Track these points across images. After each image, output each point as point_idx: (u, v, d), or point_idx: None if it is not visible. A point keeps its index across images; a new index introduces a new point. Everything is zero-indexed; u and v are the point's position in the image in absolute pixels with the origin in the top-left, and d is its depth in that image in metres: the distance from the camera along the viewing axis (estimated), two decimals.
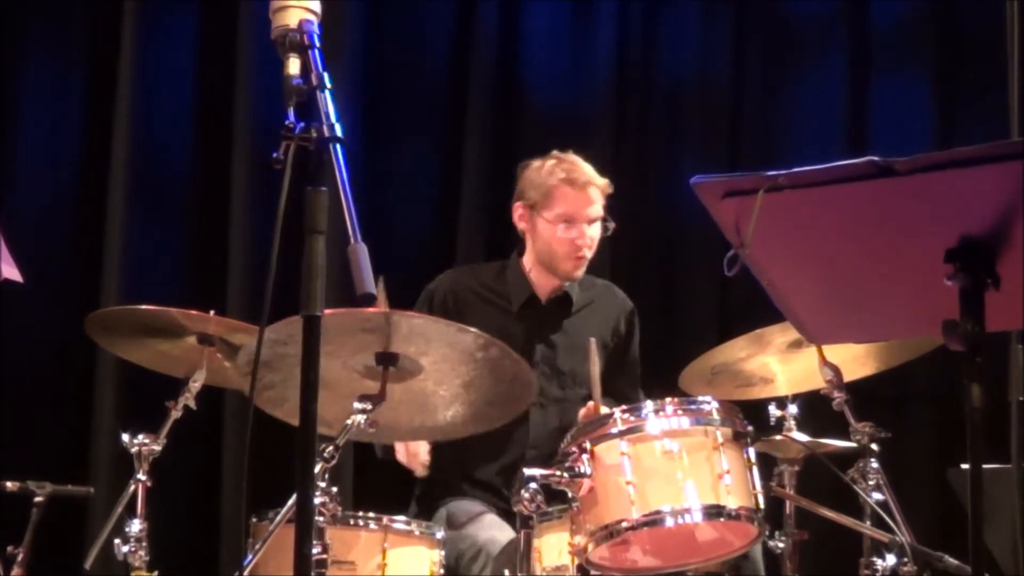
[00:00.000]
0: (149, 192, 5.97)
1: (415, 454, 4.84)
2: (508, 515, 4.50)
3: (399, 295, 5.21)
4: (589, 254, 5.03)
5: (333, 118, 2.80)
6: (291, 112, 2.83)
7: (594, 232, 5.00)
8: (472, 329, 4.07)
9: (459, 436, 4.51)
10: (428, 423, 4.35)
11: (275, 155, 2.81)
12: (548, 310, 5.15)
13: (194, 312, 4.48)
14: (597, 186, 4.97)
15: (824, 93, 6.36)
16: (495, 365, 4.14)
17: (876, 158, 2.54)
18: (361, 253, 2.69)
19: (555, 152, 5.09)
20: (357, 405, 3.99)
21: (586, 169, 5.00)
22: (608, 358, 5.11)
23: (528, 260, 5.15)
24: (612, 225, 5.01)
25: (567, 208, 4.97)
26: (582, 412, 4.72)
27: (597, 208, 4.98)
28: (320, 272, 2.74)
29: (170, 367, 4.62)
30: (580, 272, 5.07)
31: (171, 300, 4.68)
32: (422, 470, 4.86)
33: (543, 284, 5.13)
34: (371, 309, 3.90)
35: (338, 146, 2.78)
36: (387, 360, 4.05)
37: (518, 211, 5.09)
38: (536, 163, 5.07)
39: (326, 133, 2.78)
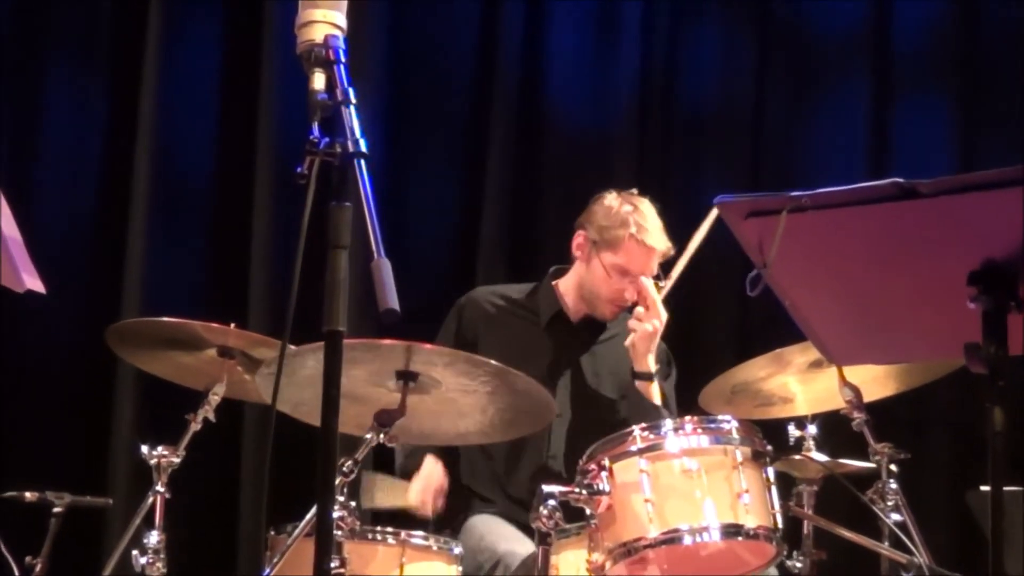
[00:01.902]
0: (171, 205, 5.98)
1: (425, 502, 4.85)
2: (527, 529, 4.49)
3: (420, 311, 5.24)
4: (631, 301, 5.02)
5: (358, 133, 2.81)
6: (315, 127, 2.84)
7: (642, 284, 4.98)
8: (491, 361, 4.10)
9: (479, 443, 4.59)
10: (449, 430, 4.37)
11: (299, 170, 2.81)
12: (578, 329, 5.16)
13: (215, 325, 4.49)
14: (661, 251, 4.98)
15: (846, 116, 6.35)
16: (513, 388, 4.17)
17: (900, 180, 2.54)
18: (384, 269, 2.70)
19: (633, 192, 5.07)
20: (376, 423, 4.02)
21: (655, 228, 4.98)
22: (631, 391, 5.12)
23: (566, 284, 5.16)
24: (662, 283, 5.00)
25: (628, 263, 4.97)
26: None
27: (654, 266, 4.99)
28: (343, 287, 2.75)
29: (190, 379, 4.63)
30: (615, 318, 5.09)
31: (192, 313, 4.68)
32: (428, 514, 4.87)
33: (576, 308, 5.15)
34: (390, 341, 3.95)
35: (362, 162, 2.79)
36: (407, 377, 4.07)
37: (578, 239, 5.09)
38: (612, 199, 5.04)
39: (350, 148, 2.79)
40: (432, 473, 4.91)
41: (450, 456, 4.99)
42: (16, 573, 4.60)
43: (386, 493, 4.74)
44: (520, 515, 4.86)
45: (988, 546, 2.64)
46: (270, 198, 5.88)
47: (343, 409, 2.75)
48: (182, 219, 6.01)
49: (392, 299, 2.67)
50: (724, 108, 6.34)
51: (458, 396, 4.18)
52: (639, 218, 4.97)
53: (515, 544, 4.71)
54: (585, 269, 5.07)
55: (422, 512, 4.85)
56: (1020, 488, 3.48)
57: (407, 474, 4.96)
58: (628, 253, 4.97)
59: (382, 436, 4.01)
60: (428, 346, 4.11)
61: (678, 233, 6.00)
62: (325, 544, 2.71)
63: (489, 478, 5.03)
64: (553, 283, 5.18)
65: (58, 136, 5.99)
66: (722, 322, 6.15)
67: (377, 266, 2.69)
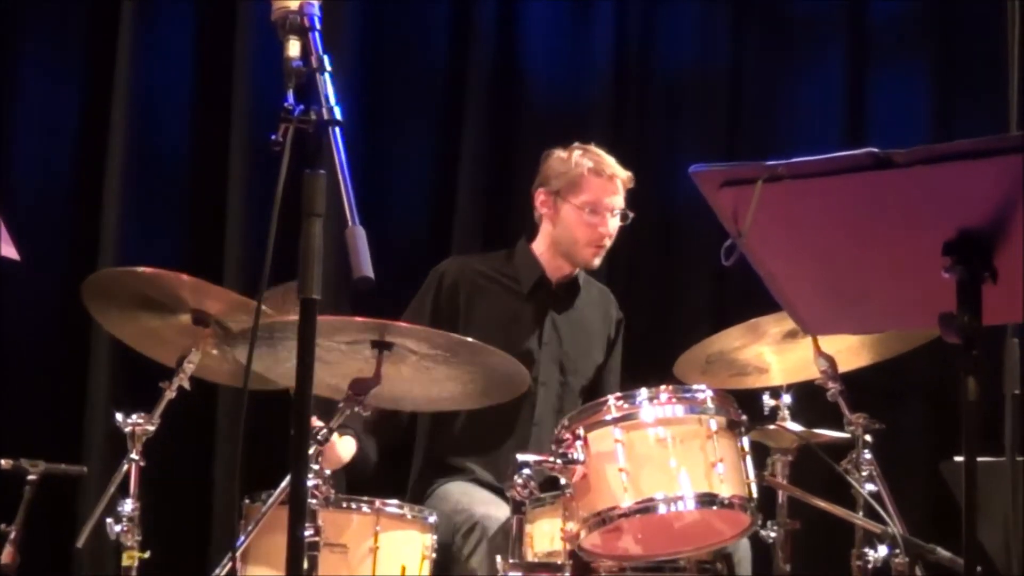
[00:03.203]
0: (147, 174, 5.94)
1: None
2: (504, 495, 4.49)
3: (396, 279, 5.24)
4: (608, 243, 5.13)
5: (332, 101, 2.80)
6: (290, 94, 2.83)
7: (615, 224, 5.09)
8: (468, 339, 4.17)
9: (451, 409, 4.63)
10: (421, 396, 4.39)
11: (273, 137, 2.81)
12: (557, 294, 5.21)
13: (191, 279, 4.42)
14: (622, 178, 5.09)
15: (822, 84, 6.35)
16: (486, 362, 4.20)
17: (875, 150, 2.54)
18: (359, 236, 2.69)
19: (577, 144, 5.18)
20: (351, 392, 4.02)
21: (611, 161, 5.12)
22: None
23: (540, 245, 5.21)
24: (631, 215, 5.09)
25: (594, 196, 5.07)
26: None
27: (620, 199, 5.10)
28: (317, 255, 2.75)
29: (160, 349, 4.59)
30: (598, 261, 5.15)
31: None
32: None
33: (554, 269, 5.21)
34: (363, 319, 3.99)
35: (337, 129, 2.78)
36: (381, 346, 4.07)
37: (540, 197, 5.17)
38: (561, 152, 5.16)
39: (325, 116, 2.79)
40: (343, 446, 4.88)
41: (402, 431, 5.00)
42: None
43: None
44: (495, 482, 4.89)
45: (962, 516, 2.65)
46: (246, 167, 5.86)
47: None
48: (157, 189, 5.98)
49: (366, 266, 2.67)
50: (700, 76, 6.34)
51: (432, 365, 4.18)
52: (592, 156, 5.11)
53: (492, 508, 4.74)
54: (554, 223, 5.15)
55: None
56: (994, 459, 3.48)
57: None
58: (592, 187, 5.08)
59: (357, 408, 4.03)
60: (402, 324, 4.13)
61: (655, 202, 6.02)
62: (299, 511, 2.71)
63: (473, 447, 5.03)
64: (530, 248, 5.20)
65: (33, 107, 5.95)
66: (698, 292, 6.16)
67: (351, 233, 2.69)
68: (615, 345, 5.33)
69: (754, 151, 5.95)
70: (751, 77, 6.38)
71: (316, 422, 4.35)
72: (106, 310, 4.67)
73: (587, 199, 5.06)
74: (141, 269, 4.51)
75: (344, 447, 4.88)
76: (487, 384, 4.30)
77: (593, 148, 5.15)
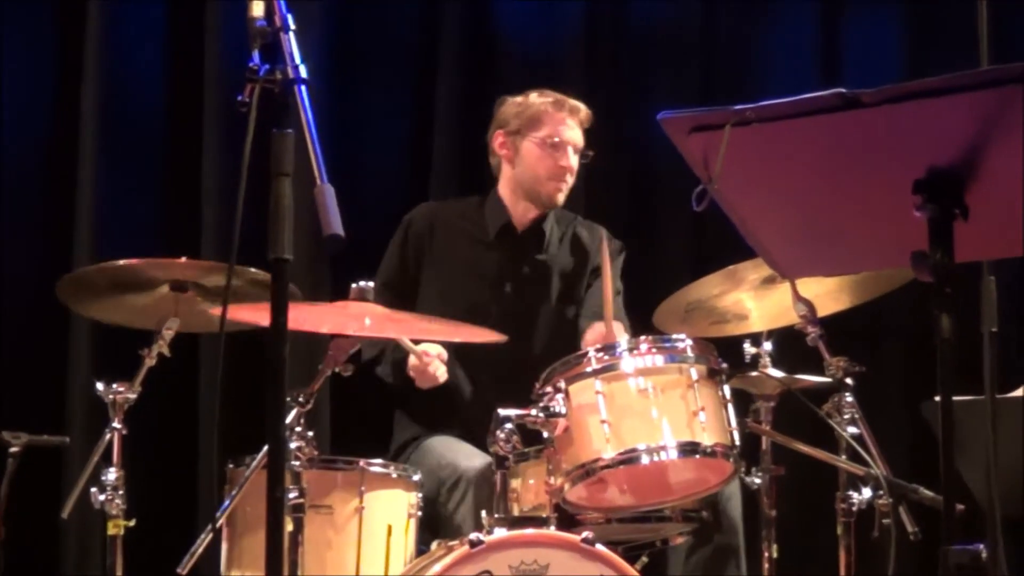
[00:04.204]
0: (120, 140, 5.91)
1: (431, 374, 4.83)
2: (485, 447, 4.49)
3: (372, 236, 5.24)
4: (571, 180, 5.12)
5: (297, 59, 2.80)
6: (256, 54, 2.82)
7: (575, 162, 5.08)
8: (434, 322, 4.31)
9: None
10: None
11: (240, 98, 2.80)
12: (523, 240, 5.19)
13: (163, 260, 4.46)
14: (581, 116, 5.10)
15: (796, 29, 6.34)
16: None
17: (843, 90, 2.53)
18: (328, 194, 2.69)
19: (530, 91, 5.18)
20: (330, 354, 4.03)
21: (570, 98, 5.14)
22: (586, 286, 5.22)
23: (505, 190, 5.21)
24: (591, 153, 5.10)
25: (554, 129, 5.08)
26: (591, 335, 4.75)
27: (579, 135, 5.10)
28: (287, 214, 2.74)
29: (145, 320, 4.59)
30: (562, 197, 5.14)
31: (145, 248, 4.67)
32: (441, 376, 4.86)
33: (520, 214, 5.19)
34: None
35: (303, 87, 2.77)
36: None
37: (498, 139, 5.17)
38: (517, 97, 5.18)
39: (290, 75, 2.78)
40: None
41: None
42: None
43: None
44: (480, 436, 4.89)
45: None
46: (219, 129, 5.83)
47: None
48: (131, 154, 5.95)
49: (336, 224, 2.67)
50: (673, 26, 6.32)
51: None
52: (548, 95, 5.14)
53: (476, 460, 4.73)
54: (514, 163, 5.16)
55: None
56: (974, 397, 3.49)
57: (397, 366, 5.00)
58: (552, 121, 5.09)
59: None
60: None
61: (631, 154, 6.01)
62: (277, 472, 2.71)
63: (450, 403, 5.04)
64: (497, 193, 5.22)
65: (5, 73, 5.91)
66: (675, 241, 6.15)
67: (320, 191, 2.69)
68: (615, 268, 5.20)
69: (728, 100, 5.91)
70: (724, 25, 6.37)
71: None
72: (84, 302, 4.68)
73: (548, 132, 5.07)
74: (111, 263, 4.50)
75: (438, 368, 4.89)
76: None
77: (547, 91, 5.17)
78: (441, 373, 4.84)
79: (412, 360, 4.83)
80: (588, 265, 5.22)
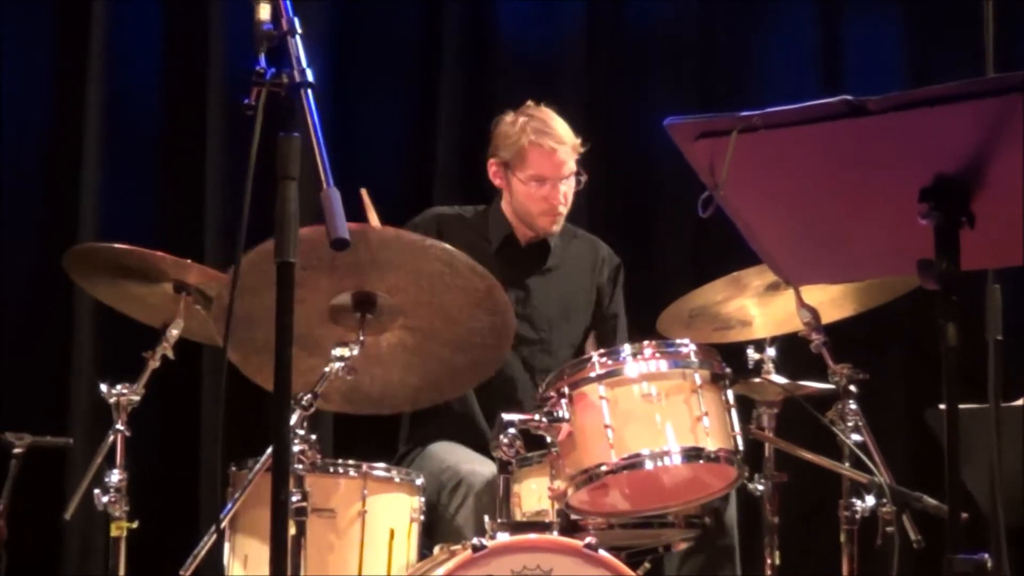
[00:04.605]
0: (124, 140, 5.93)
1: None
2: (488, 453, 4.50)
3: None
4: (564, 210, 5.09)
5: (304, 63, 2.80)
6: (262, 58, 2.82)
7: (568, 187, 5.05)
8: (446, 246, 4.10)
9: (436, 402, 4.58)
10: (388, 393, 4.39)
11: (246, 101, 2.81)
12: (527, 253, 5.18)
13: (168, 256, 4.47)
14: (568, 146, 5.01)
15: (796, 31, 6.34)
16: (477, 307, 4.16)
17: (849, 97, 2.53)
18: (334, 198, 2.69)
19: (529, 104, 5.13)
20: (336, 352, 4.01)
21: (557, 128, 5.03)
22: (595, 306, 5.22)
23: (507, 208, 5.19)
24: (584, 178, 5.05)
25: (538, 169, 5.02)
26: None
27: (569, 166, 5.03)
28: (293, 218, 2.74)
29: (147, 314, 4.60)
30: (557, 227, 5.13)
31: (148, 247, 4.65)
32: None
33: (521, 231, 5.18)
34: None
35: (309, 91, 2.78)
36: (364, 303, 4.06)
37: (492, 168, 5.15)
38: (508, 118, 5.11)
39: (297, 78, 2.78)
40: None
41: None
42: None
43: None
44: (481, 443, 4.89)
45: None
46: (223, 132, 5.84)
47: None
48: (134, 156, 5.96)
49: (342, 228, 2.67)
50: (673, 27, 6.32)
51: (415, 330, 4.20)
52: (534, 124, 5.03)
53: (477, 465, 4.73)
54: (509, 193, 5.13)
55: None
56: (978, 405, 3.48)
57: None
58: (535, 160, 5.02)
59: (340, 367, 4.03)
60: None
61: (631, 157, 6.01)
62: (282, 475, 2.71)
63: (449, 416, 5.03)
64: (502, 206, 5.20)
65: (8, 73, 5.91)
66: (679, 246, 6.16)
67: (326, 195, 2.69)
68: (613, 291, 5.27)
69: (729, 102, 5.94)
70: (724, 27, 6.37)
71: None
72: (88, 278, 4.69)
73: (532, 173, 5.02)
74: (118, 245, 4.51)
75: None
76: (471, 345, 4.29)
77: (541, 112, 5.06)
78: None
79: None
80: (590, 279, 5.22)
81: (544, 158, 5.00)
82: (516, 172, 5.04)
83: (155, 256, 4.45)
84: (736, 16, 6.35)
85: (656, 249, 6.14)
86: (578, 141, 5.04)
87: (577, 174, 5.04)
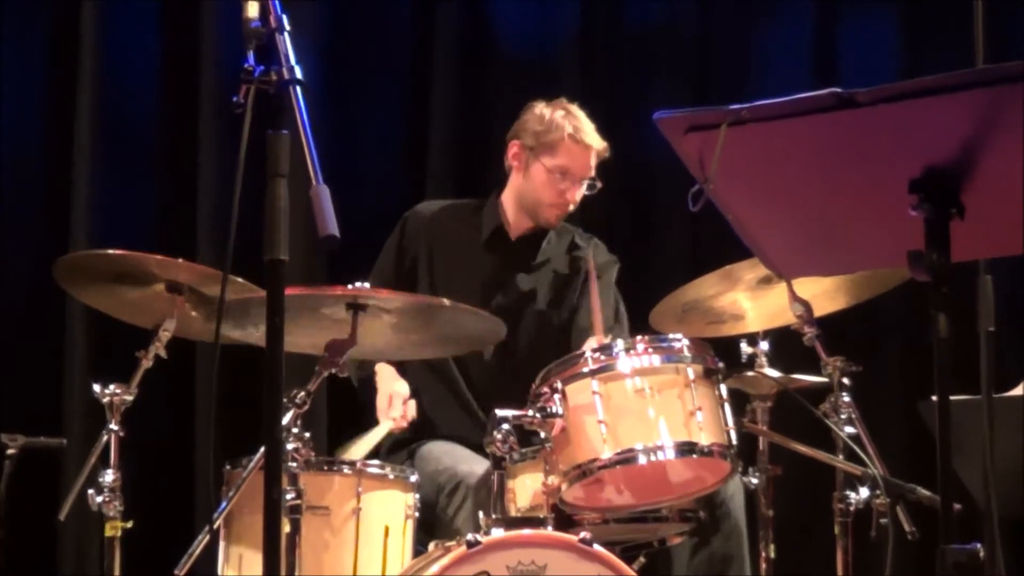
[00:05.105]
0: (116, 140, 5.92)
1: (396, 419, 4.81)
2: (483, 452, 4.50)
3: (367, 238, 5.23)
4: (572, 209, 5.09)
5: (292, 60, 2.80)
6: (250, 55, 2.82)
7: (582, 191, 5.05)
8: (445, 300, 4.20)
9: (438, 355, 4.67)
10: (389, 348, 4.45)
11: (236, 99, 2.81)
12: (516, 247, 5.17)
13: (162, 258, 4.46)
14: (597, 149, 5.03)
15: (792, 28, 6.34)
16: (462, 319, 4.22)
17: (838, 89, 2.53)
18: (323, 195, 2.70)
19: (563, 100, 5.12)
20: (328, 354, 4.02)
21: (591, 129, 5.05)
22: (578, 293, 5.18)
23: (507, 197, 5.18)
24: (599, 184, 5.05)
25: (567, 163, 5.02)
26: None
27: (591, 167, 5.04)
28: (283, 215, 2.74)
29: (140, 317, 4.59)
30: (559, 222, 5.13)
31: (141, 248, 4.65)
32: (399, 426, 4.84)
33: (517, 223, 5.17)
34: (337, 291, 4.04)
35: (298, 88, 2.78)
36: (356, 306, 4.08)
37: (513, 148, 5.12)
38: (543, 107, 5.10)
39: (286, 76, 2.78)
40: (389, 384, 4.88)
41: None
42: None
43: (361, 445, 4.70)
44: (475, 438, 4.88)
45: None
46: (215, 130, 5.83)
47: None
48: (128, 154, 5.96)
49: (332, 225, 2.67)
50: (670, 24, 6.32)
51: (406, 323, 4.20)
52: (573, 120, 5.04)
53: (475, 465, 4.73)
54: (523, 178, 5.11)
55: (400, 428, 4.83)
56: (971, 396, 3.49)
57: (363, 383, 4.98)
58: (567, 153, 5.01)
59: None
60: (380, 292, 4.15)
61: (626, 153, 6.00)
62: (274, 472, 2.71)
63: (441, 407, 5.03)
64: (498, 199, 5.19)
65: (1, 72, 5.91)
66: (672, 241, 6.16)
67: (316, 192, 2.70)
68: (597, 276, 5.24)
69: (724, 100, 5.92)
70: (720, 25, 6.36)
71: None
72: (80, 287, 4.68)
73: (560, 163, 5.01)
74: (109, 251, 4.51)
75: (393, 380, 4.91)
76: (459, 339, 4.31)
77: (575, 111, 5.08)
78: (411, 413, 4.84)
79: (380, 401, 4.84)
80: (580, 276, 5.21)
81: (577, 154, 5.01)
82: (542, 158, 5.03)
83: (146, 258, 4.44)
84: (732, 15, 6.34)
85: (649, 245, 6.14)
86: (605, 146, 5.06)
87: (593, 180, 5.04)
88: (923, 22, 6.25)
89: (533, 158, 5.06)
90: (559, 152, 5.02)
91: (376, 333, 4.22)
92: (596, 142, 5.03)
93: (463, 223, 5.18)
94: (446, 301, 4.24)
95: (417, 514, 4.40)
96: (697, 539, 4.64)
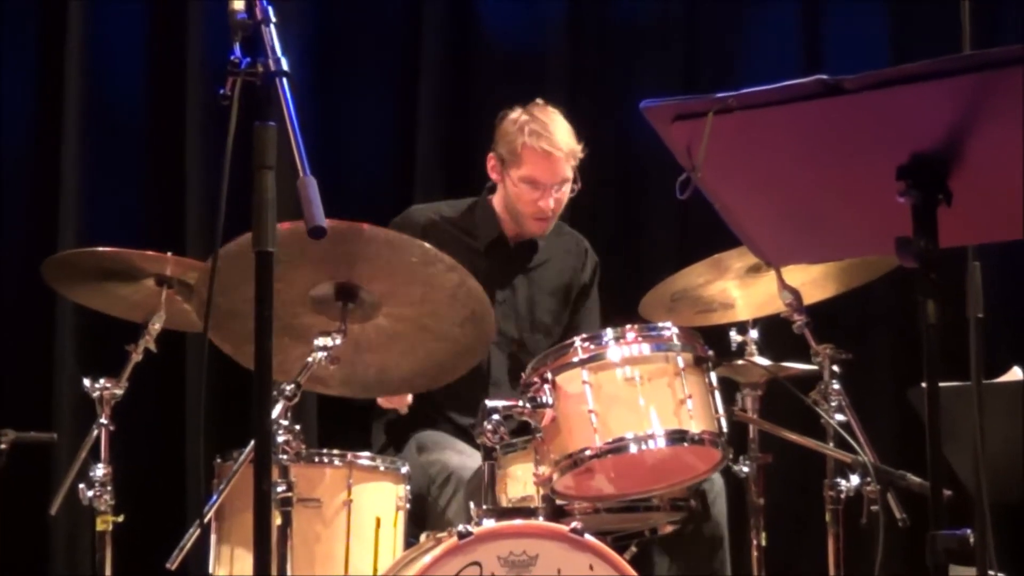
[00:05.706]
0: (104, 134, 5.91)
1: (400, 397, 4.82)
2: (475, 443, 4.50)
3: None
4: (554, 216, 5.05)
5: (279, 52, 2.79)
6: (237, 48, 2.82)
7: (560, 194, 4.99)
8: (428, 245, 4.11)
9: (430, 387, 4.58)
10: (384, 378, 4.39)
11: (222, 91, 2.80)
12: (515, 252, 5.15)
13: (150, 253, 4.46)
14: (564, 153, 4.94)
15: (779, 20, 6.33)
16: (453, 298, 4.16)
17: (825, 77, 2.52)
18: (310, 186, 2.69)
19: (537, 103, 5.07)
20: (318, 342, 4.01)
21: (556, 132, 4.96)
22: (572, 304, 5.20)
23: (498, 204, 5.14)
24: (577, 186, 5.01)
25: (532, 172, 4.96)
26: None
27: (564, 173, 4.97)
28: (271, 207, 2.74)
29: (130, 312, 4.59)
30: (545, 231, 5.09)
31: (129, 243, 4.65)
32: (404, 409, 4.84)
33: (511, 229, 5.14)
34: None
35: (284, 80, 2.77)
36: (347, 294, 4.06)
37: (491, 162, 5.09)
38: (512, 115, 5.04)
39: (272, 67, 2.78)
40: None
41: None
42: None
43: None
44: (463, 436, 4.88)
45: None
46: (203, 124, 5.82)
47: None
48: (115, 149, 5.95)
49: (319, 217, 2.67)
50: (657, 17, 6.31)
51: (397, 320, 4.20)
52: (534, 126, 4.95)
53: (466, 458, 4.73)
54: (503, 190, 5.08)
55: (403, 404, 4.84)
56: (961, 383, 3.50)
57: None
58: (531, 163, 4.96)
59: (323, 356, 4.02)
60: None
61: (611, 149, 6.00)
62: (264, 465, 2.71)
63: (432, 405, 5.02)
64: (491, 202, 5.16)
65: None
66: (661, 230, 6.15)
67: (303, 184, 2.69)
68: (588, 291, 5.26)
69: (712, 88, 5.91)
70: (707, 18, 6.36)
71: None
72: (69, 286, 4.68)
73: (525, 174, 4.96)
74: (97, 249, 4.51)
75: None
76: (451, 345, 4.29)
77: (542, 115, 4.99)
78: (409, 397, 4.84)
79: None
80: (572, 277, 5.20)
81: (538, 162, 4.94)
82: (510, 171, 4.98)
83: (134, 254, 4.45)
84: (720, 5, 6.34)
85: (638, 234, 6.14)
86: (578, 147, 4.97)
87: (572, 181, 4.99)
88: (910, 11, 6.24)
89: (505, 170, 5.02)
90: (524, 163, 4.96)
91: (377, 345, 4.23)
92: (560, 145, 4.93)
93: (458, 230, 5.13)
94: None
95: (408, 505, 4.40)
96: (679, 528, 4.61)
